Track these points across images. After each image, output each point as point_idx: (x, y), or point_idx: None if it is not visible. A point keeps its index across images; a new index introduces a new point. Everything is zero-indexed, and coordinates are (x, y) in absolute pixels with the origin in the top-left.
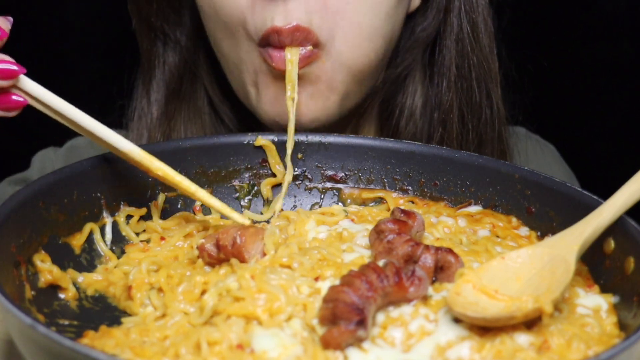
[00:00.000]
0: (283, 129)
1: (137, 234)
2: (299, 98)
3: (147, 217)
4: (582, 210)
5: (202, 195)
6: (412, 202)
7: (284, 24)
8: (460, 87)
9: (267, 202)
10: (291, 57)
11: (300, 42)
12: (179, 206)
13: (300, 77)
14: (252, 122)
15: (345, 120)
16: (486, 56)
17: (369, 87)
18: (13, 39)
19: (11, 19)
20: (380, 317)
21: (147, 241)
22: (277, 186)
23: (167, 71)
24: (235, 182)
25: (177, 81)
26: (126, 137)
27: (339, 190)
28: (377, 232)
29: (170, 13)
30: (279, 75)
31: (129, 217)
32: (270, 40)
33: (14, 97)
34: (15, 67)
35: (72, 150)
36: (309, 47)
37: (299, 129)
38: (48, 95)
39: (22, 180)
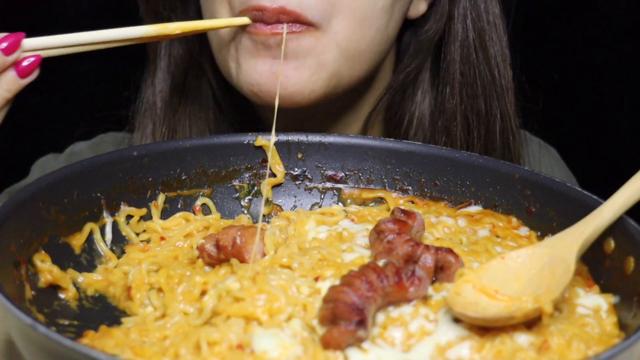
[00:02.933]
0: (266, 103)
1: (137, 234)
2: (283, 69)
3: (147, 217)
4: (582, 210)
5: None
6: (412, 202)
7: (270, 4)
8: (465, 95)
9: (268, 202)
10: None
11: (287, 22)
12: (179, 206)
13: (288, 50)
14: (255, 118)
15: (349, 127)
16: (495, 65)
17: (362, 73)
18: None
19: None
20: (380, 317)
21: (147, 241)
22: (277, 186)
23: (173, 63)
24: (235, 182)
25: (181, 74)
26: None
27: (339, 190)
28: (377, 232)
29: (177, 2)
30: (261, 46)
31: (129, 217)
32: (254, 16)
33: (24, 63)
34: (12, 39)
35: (73, 156)
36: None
37: (282, 105)
38: (52, 39)
39: None
